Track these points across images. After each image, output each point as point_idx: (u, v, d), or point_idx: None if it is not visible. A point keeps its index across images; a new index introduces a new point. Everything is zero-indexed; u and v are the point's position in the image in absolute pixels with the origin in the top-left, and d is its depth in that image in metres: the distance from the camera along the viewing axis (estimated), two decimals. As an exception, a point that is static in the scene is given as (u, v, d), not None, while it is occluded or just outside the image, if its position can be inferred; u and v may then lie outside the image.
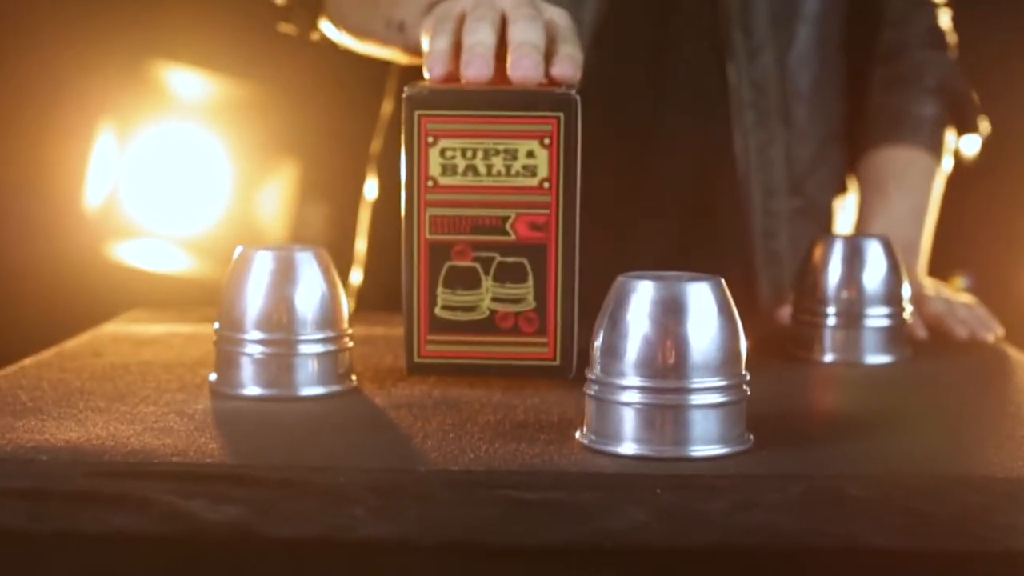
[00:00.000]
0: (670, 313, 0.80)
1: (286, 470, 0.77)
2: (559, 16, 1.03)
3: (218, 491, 0.72)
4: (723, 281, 0.82)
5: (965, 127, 1.50)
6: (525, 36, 0.98)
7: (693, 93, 1.41)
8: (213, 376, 0.98)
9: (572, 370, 0.97)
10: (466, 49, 0.98)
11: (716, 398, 0.80)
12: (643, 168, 1.41)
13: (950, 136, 1.48)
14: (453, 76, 0.99)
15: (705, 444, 0.80)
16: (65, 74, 2.70)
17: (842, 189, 1.50)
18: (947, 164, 1.48)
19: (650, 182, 1.42)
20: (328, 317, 0.96)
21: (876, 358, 1.13)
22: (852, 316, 1.12)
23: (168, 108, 2.81)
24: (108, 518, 0.69)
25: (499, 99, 0.96)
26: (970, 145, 1.50)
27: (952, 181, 1.49)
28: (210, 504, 0.70)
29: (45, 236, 2.73)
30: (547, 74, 0.98)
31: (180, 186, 2.84)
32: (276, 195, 2.87)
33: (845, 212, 1.50)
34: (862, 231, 1.41)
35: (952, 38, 1.51)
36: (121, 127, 2.80)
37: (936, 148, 1.46)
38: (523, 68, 0.97)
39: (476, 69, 0.97)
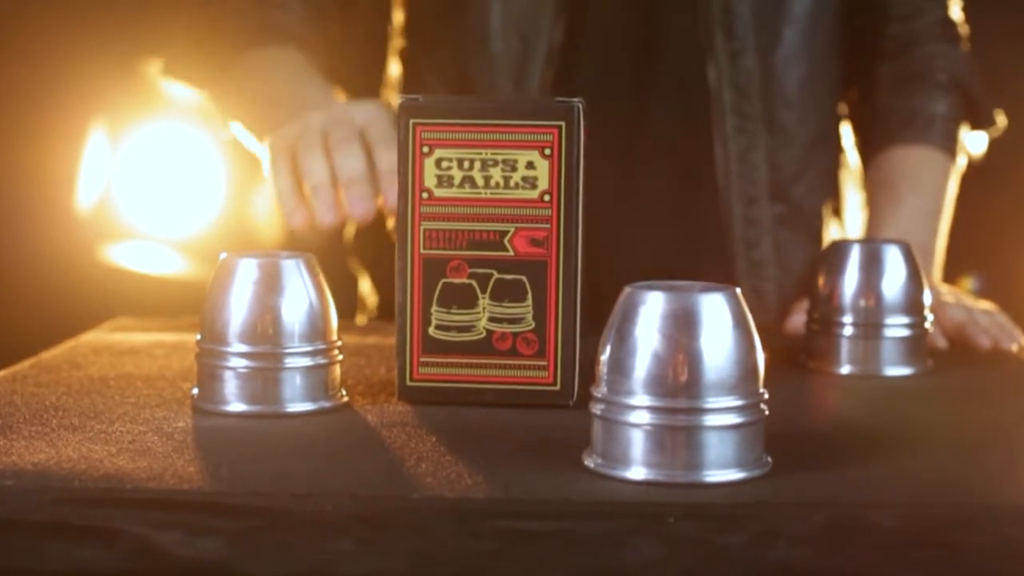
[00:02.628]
0: (682, 327, 0.74)
1: (268, 497, 0.71)
2: (370, 116, 1.12)
3: (194, 522, 0.67)
4: (739, 291, 0.77)
5: (979, 123, 1.44)
6: (347, 168, 1.08)
7: (676, 97, 1.37)
8: (196, 391, 0.92)
9: (573, 395, 0.92)
10: (311, 190, 1.09)
11: (732, 419, 0.75)
12: (626, 174, 1.37)
13: (963, 133, 1.43)
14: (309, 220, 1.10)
15: (721, 469, 0.75)
16: (57, 73, 2.67)
17: (833, 193, 1.44)
18: (961, 162, 1.43)
19: (632, 189, 1.37)
20: (316, 328, 0.91)
21: (895, 370, 1.07)
22: (870, 326, 1.07)
23: (161, 108, 2.77)
24: (74, 552, 0.64)
25: (498, 107, 0.92)
26: (978, 142, 1.45)
27: (961, 179, 1.44)
28: (184, 537, 0.65)
29: (37, 238, 2.70)
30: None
31: (173, 187, 2.80)
32: (271, 197, 2.82)
33: (835, 218, 1.45)
34: (873, 235, 1.36)
35: (964, 30, 1.46)
36: (113, 127, 2.77)
37: (949, 146, 1.41)
38: (356, 212, 1.07)
39: (323, 215, 1.09)
